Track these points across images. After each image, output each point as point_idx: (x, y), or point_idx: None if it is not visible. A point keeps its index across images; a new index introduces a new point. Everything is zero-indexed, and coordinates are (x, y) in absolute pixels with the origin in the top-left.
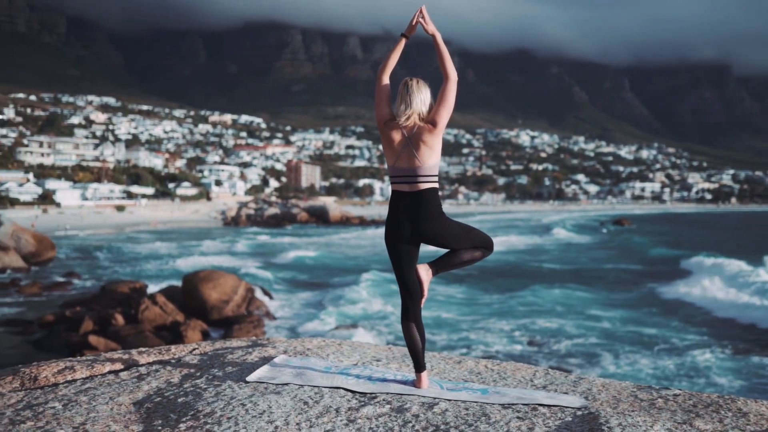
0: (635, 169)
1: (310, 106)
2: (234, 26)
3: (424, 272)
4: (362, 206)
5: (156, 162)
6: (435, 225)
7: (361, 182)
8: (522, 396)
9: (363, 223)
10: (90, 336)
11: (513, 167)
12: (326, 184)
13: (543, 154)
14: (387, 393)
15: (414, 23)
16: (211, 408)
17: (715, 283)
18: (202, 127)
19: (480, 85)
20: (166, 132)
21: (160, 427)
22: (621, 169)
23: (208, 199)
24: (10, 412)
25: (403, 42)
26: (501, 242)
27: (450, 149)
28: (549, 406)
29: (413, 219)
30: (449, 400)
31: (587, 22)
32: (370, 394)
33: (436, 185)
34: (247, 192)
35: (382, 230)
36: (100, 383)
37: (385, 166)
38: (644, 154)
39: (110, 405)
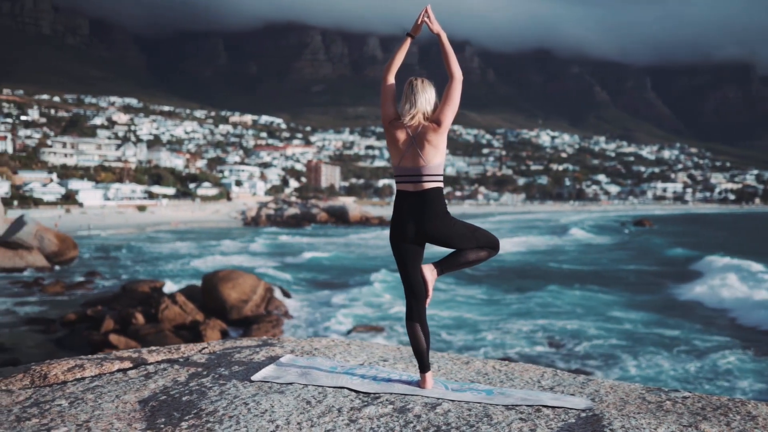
0: (657, 170)
1: (330, 106)
2: (254, 27)
3: (429, 272)
4: (382, 206)
5: (177, 162)
6: (440, 224)
7: (381, 182)
8: (527, 397)
9: (383, 223)
10: (111, 335)
11: (533, 167)
12: (346, 184)
13: (563, 155)
14: (391, 393)
15: (419, 23)
16: (214, 407)
17: (736, 284)
18: (223, 128)
19: (500, 85)
20: (187, 132)
21: (162, 425)
22: (642, 169)
23: (229, 199)
24: (17, 409)
25: (408, 41)
26: (521, 243)
27: (470, 149)
28: (553, 407)
29: (418, 218)
30: (452, 400)
31: (608, 21)
32: (374, 394)
33: (441, 185)
34: (267, 192)
35: None
36: (108, 381)
37: None
38: (666, 154)
39: (116, 403)
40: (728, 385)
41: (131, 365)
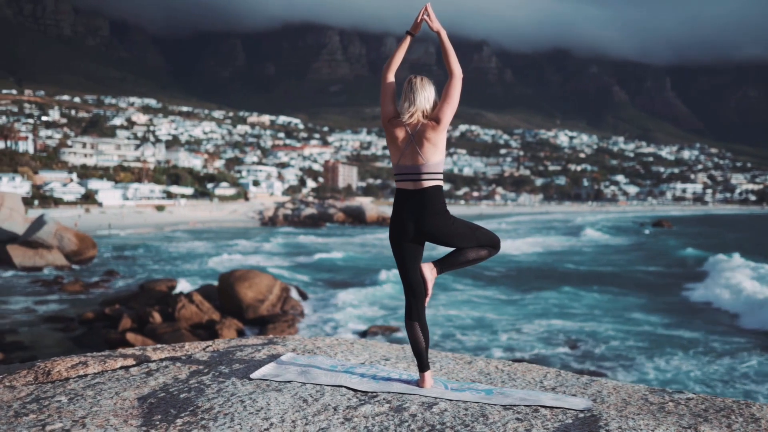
0: (676, 170)
1: (348, 106)
2: (272, 28)
3: (429, 271)
4: None
5: (195, 162)
6: (439, 223)
7: None
8: (526, 397)
9: None
10: (128, 333)
11: (551, 168)
12: (363, 184)
13: (582, 155)
14: (389, 392)
15: (419, 21)
16: (210, 404)
17: (755, 285)
18: (241, 128)
19: (518, 85)
20: (205, 133)
21: (158, 422)
22: (662, 169)
23: (246, 199)
24: (17, 405)
25: (408, 40)
26: (537, 243)
27: (487, 150)
28: (551, 407)
29: (417, 217)
30: (450, 400)
31: (627, 20)
32: (372, 393)
33: (441, 183)
34: (285, 192)
35: None
36: (109, 378)
37: None
38: (686, 154)
39: (114, 400)
40: (745, 388)
41: (134, 362)
